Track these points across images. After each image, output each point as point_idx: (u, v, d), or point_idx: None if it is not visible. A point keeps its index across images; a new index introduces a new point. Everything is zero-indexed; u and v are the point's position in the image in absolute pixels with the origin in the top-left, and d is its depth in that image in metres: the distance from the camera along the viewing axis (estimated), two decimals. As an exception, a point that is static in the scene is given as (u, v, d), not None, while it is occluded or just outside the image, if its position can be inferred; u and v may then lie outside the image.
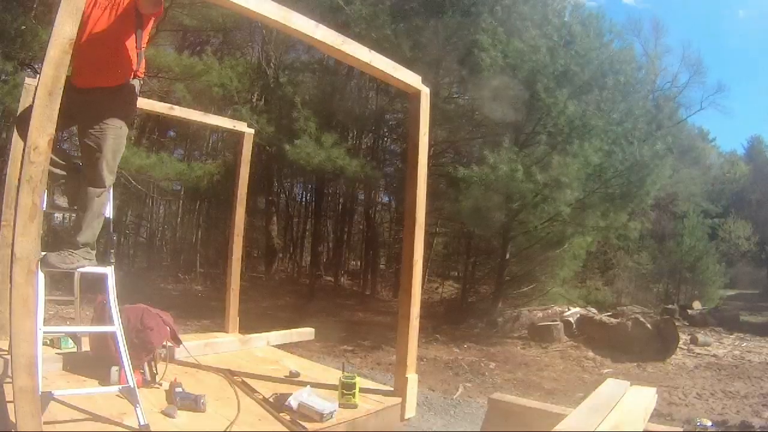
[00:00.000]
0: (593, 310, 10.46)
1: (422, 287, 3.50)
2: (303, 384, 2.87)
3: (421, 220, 3.04)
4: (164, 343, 2.98)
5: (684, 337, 9.02)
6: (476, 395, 5.96)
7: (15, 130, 2.81)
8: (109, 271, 2.32)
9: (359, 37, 4.63)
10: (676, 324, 9.13)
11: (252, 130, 4.33)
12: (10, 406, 1.90)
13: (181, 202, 16.09)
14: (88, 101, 2.29)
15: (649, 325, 8.22)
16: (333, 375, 3.10)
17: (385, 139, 15.83)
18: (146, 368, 2.75)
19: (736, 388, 6.41)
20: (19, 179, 1.70)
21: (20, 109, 2.94)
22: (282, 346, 4.14)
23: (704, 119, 47.16)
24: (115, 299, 2.27)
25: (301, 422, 2.37)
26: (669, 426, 3.94)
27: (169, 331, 3.00)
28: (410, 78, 2.98)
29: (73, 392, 2.37)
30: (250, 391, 2.78)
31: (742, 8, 50.30)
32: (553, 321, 9.13)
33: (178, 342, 3.12)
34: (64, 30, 1.71)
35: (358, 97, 13.55)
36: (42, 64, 1.72)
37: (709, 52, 48.58)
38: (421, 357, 6.74)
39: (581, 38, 9.34)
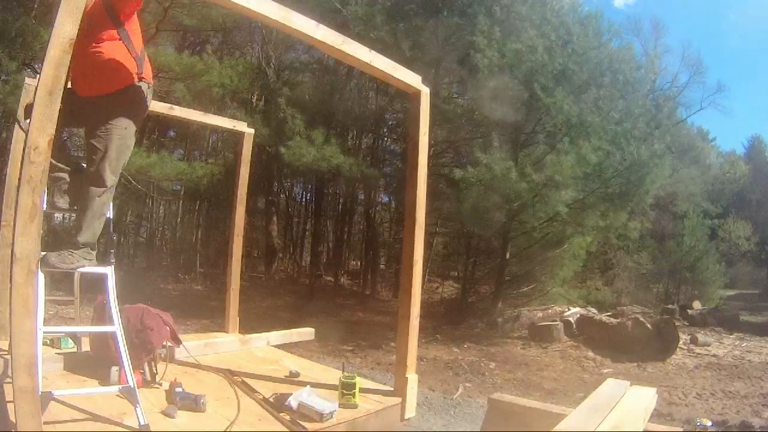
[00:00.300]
0: (593, 310, 10.45)
1: (422, 287, 3.50)
2: (303, 384, 2.87)
3: (421, 220, 3.04)
4: (164, 343, 2.98)
5: (684, 337, 9.02)
6: (476, 395, 5.96)
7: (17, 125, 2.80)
8: (109, 271, 2.32)
9: (358, 38, 4.63)
10: (676, 324, 9.13)
11: (252, 130, 4.33)
12: (10, 406, 1.90)
13: (181, 202, 16.09)
14: (94, 106, 2.32)
15: (649, 325, 8.22)
16: (333, 375, 3.10)
17: (385, 139, 15.84)
18: (146, 368, 2.75)
19: (736, 388, 6.41)
20: (19, 179, 1.70)
21: (20, 109, 2.93)
22: (282, 346, 4.14)
23: (704, 119, 47.30)
24: (115, 299, 2.27)
25: (301, 422, 2.37)
26: (669, 426, 3.94)
27: (169, 331, 3.00)
28: (410, 78, 2.98)
29: (73, 392, 2.37)
30: (250, 391, 2.78)
31: (742, 8, 50.33)
32: (553, 321, 9.12)
33: (178, 342, 3.12)
34: (64, 30, 1.71)
35: (358, 97, 13.55)
36: (42, 63, 1.72)
37: (709, 52, 48.65)
38: (421, 357, 6.74)
39: (579, 37, 9.34)
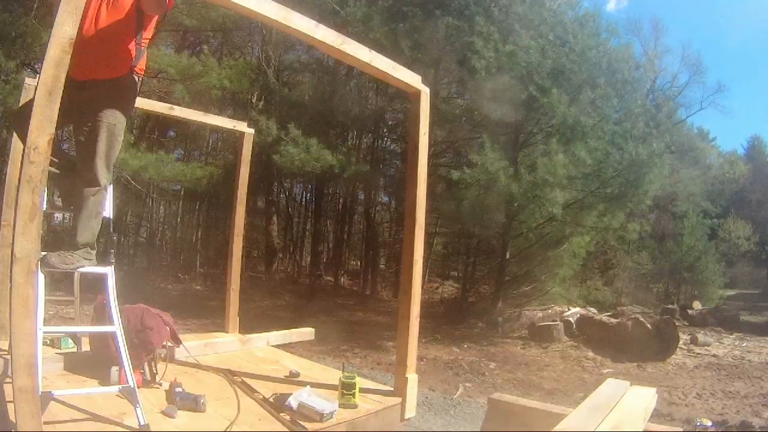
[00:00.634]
0: (593, 310, 10.46)
1: (422, 287, 3.50)
2: (303, 384, 2.87)
3: (421, 220, 3.04)
4: (164, 343, 2.99)
5: (684, 337, 9.03)
6: (476, 395, 5.96)
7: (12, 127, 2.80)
8: (109, 271, 2.32)
9: (357, 39, 4.63)
10: (676, 324, 9.13)
11: (252, 130, 4.34)
12: (10, 406, 1.90)
13: (181, 202, 16.09)
14: (84, 96, 2.25)
15: (649, 325, 8.22)
16: (333, 375, 3.10)
17: (385, 139, 15.83)
18: (146, 368, 2.75)
19: (736, 388, 6.41)
20: (19, 179, 1.70)
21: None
22: (282, 346, 4.14)
23: (704, 119, 47.37)
24: (115, 299, 2.27)
25: (301, 422, 2.37)
26: (669, 426, 3.94)
27: (169, 331, 3.00)
28: (410, 78, 2.99)
29: (73, 392, 2.37)
30: (250, 391, 2.78)
31: (742, 8, 50.36)
32: (553, 321, 9.13)
33: (178, 342, 3.12)
34: (64, 30, 1.71)
35: (358, 98, 13.54)
36: (42, 63, 1.72)
37: (709, 52, 48.65)
38: (421, 357, 6.74)
39: (577, 37, 9.33)
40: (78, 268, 2.28)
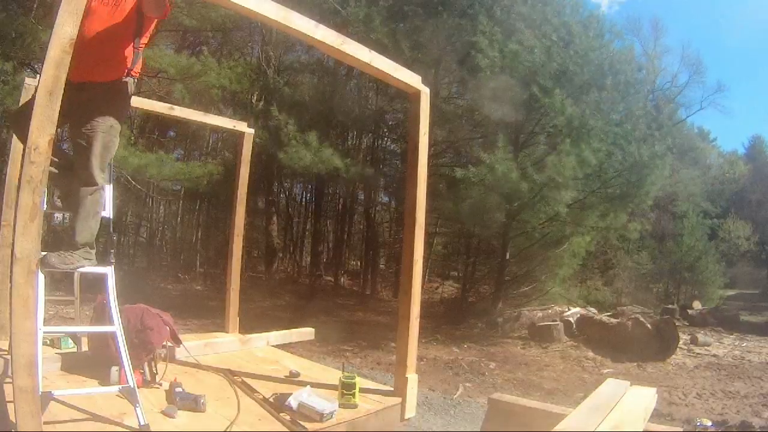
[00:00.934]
0: (593, 310, 10.46)
1: (422, 287, 3.50)
2: (303, 384, 2.87)
3: (421, 220, 3.04)
4: (164, 343, 2.99)
5: (684, 337, 9.02)
6: (476, 395, 5.96)
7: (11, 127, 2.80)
8: (109, 271, 2.32)
9: (358, 39, 4.63)
10: (676, 324, 9.13)
11: (252, 130, 4.34)
12: (10, 406, 1.90)
13: (181, 202, 16.09)
14: (80, 98, 2.24)
15: (649, 325, 8.22)
16: (333, 375, 3.10)
17: (385, 139, 15.83)
18: (146, 368, 2.75)
19: (736, 388, 6.41)
20: (19, 179, 1.70)
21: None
22: (282, 346, 4.14)
23: (704, 119, 47.35)
24: (115, 299, 2.27)
25: (301, 422, 2.37)
26: (669, 426, 3.94)
27: (169, 331, 3.00)
28: (410, 78, 2.99)
29: (73, 392, 2.37)
30: (250, 391, 2.78)
31: (742, 8, 50.35)
32: (553, 321, 9.12)
33: (178, 342, 3.12)
34: (64, 30, 1.71)
35: (358, 98, 13.54)
36: (42, 64, 1.72)
37: (709, 52, 48.64)
38: (421, 357, 6.74)
39: (580, 38, 9.33)
40: (78, 268, 2.28)
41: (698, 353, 8.48)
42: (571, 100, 8.70)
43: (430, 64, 9.67)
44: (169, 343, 3.07)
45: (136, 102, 4.19)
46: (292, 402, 2.49)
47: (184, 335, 3.49)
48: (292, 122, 10.12)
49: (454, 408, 5.47)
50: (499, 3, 9.58)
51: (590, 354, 8.08)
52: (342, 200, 17.74)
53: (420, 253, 3.04)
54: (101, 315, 2.59)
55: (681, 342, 8.51)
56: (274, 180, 15.65)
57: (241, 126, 4.28)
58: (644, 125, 9.92)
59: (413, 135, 3.06)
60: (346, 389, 2.66)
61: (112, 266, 2.35)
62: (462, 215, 10.00)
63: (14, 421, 1.72)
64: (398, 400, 2.90)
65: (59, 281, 4.80)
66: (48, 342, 3.00)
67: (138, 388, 2.19)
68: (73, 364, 2.83)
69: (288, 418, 2.42)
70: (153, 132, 13.35)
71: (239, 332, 4.11)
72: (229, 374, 3.05)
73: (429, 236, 10.96)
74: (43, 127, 1.70)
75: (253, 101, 12.98)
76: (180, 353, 3.20)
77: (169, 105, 4.16)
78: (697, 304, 13.33)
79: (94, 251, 2.35)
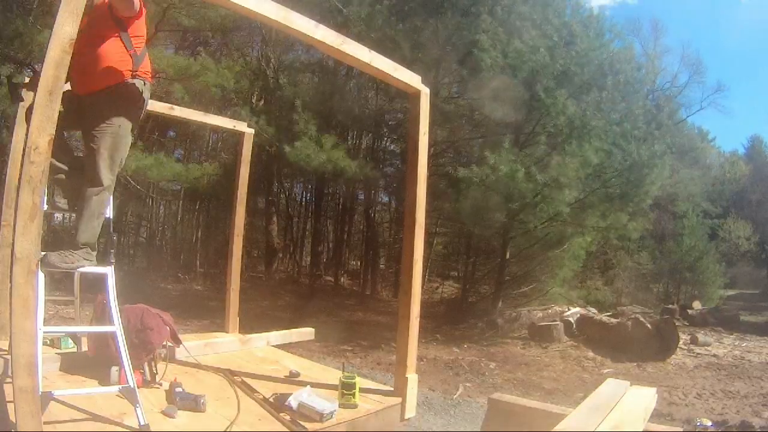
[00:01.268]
0: (593, 310, 10.46)
1: (422, 287, 3.50)
2: (303, 384, 2.87)
3: (421, 220, 3.04)
4: (164, 343, 2.98)
5: (684, 337, 9.02)
6: (476, 395, 5.96)
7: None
8: (109, 271, 2.32)
9: (358, 38, 4.63)
10: (676, 324, 9.12)
11: (252, 130, 4.34)
12: (10, 406, 1.90)
13: (180, 202, 16.09)
14: (88, 105, 2.33)
15: (649, 325, 8.22)
16: (333, 375, 3.10)
17: (385, 139, 15.84)
18: (146, 368, 2.75)
19: (736, 388, 6.41)
20: (19, 179, 1.70)
21: (19, 110, 2.94)
22: (282, 346, 4.14)
23: (704, 119, 47.33)
24: (115, 299, 2.27)
25: (301, 422, 2.37)
26: (669, 426, 3.94)
27: (169, 331, 3.00)
28: (410, 78, 2.99)
29: (73, 392, 2.37)
30: (250, 391, 2.78)
31: (742, 8, 50.34)
32: (553, 321, 9.12)
33: (178, 342, 3.12)
34: (64, 30, 1.71)
35: (358, 98, 13.54)
36: (42, 64, 1.72)
37: (709, 52, 48.62)
38: (421, 357, 6.74)
39: (581, 38, 9.33)
40: (78, 267, 2.28)
41: (698, 353, 8.48)
42: (572, 100, 8.70)
43: (431, 64, 9.67)
44: (169, 343, 3.07)
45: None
46: (292, 402, 2.49)
47: (184, 335, 3.49)
48: (312, 120, 10.11)
49: (454, 408, 5.47)
50: (500, 2, 9.58)
51: (590, 354, 8.08)
52: (342, 200, 17.75)
53: (420, 253, 3.04)
54: (101, 315, 2.59)
55: (681, 342, 8.51)
56: (274, 180, 15.65)
57: (241, 126, 4.28)
58: (644, 125, 9.92)
59: (413, 135, 3.06)
60: (346, 389, 2.66)
61: (112, 266, 2.35)
62: (462, 215, 10.01)
63: (14, 421, 1.72)
64: (398, 400, 2.90)
65: (59, 281, 4.81)
66: (48, 342, 3.00)
67: (138, 388, 2.19)
68: (72, 364, 2.83)
69: (288, 418, 2.41)
70: (153, 132, 13.34)
71: (239, 332, 4.11)
72: (229, 374, 3.05)
73: (429, 236, 10.96)
74: (43, 126, 1.70)
75: (253, 101, 12.98)
76: (180, 353, 3.20)
77: (169, 105, 4.16)
78: (697, 304, 13.33)
79: (95, 252, 2.35)
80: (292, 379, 3.13)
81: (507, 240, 10.34)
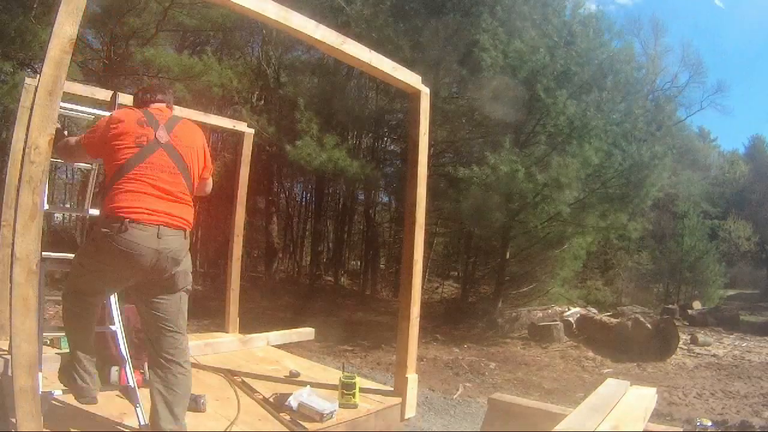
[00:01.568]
0: (593, 310, 10.45)
1: (422, 287, 3.50)
2: (303, 384, 2.87)
3: (421, 220, 3.04)
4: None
5: (684, 337, 9.02)
6: (476, 395, 5.96)
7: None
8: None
9: (359, 38, 4.62)
10: (676, 324, 9.12)
11: (252, 130, 4.34)
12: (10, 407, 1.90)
13: (180, 202, 16.05)
14: None
15: (649, 325, 8.22)
16: (333, 375, 3.10)
17: (385, 139, 15.83)
18: (146, 368, 2.74)
19: (736, 388, 6.41)
20: (19, 179, 1.70)
21: (20, 110, 2.94)
22: (282, 346, 4.14)
23: (704, 119, 47.24)
24: (116, 299, 2.27)
25: (301, 422, 2.37)
26: (669, 426, 3.93)
27: (169, 331, 2.99)
28: (410, 78, 2.99)
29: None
30: (250, 391, 2.78)
31: (742, 8, 50.29)
32: (553, 321, 9.12)
33: (178, 342, 3.11)
34: (64, 30, 1.71)
35: (358, 97, 13.54)
36: (42, 63, 1.72)
37: (709, 52, 48.57)
38: (421, 357, 6.74)
39: (581, 38, 9.33)
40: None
41: (698, 353, 8.48)
42: (572, 101, 8.70)
43: (431, 64, 9.67)
44: (169, 343, 3.06)
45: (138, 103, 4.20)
46: (292, 402, 2.49)
47: (184, 335, 3.48)
48: (314, 119, 10.09)
49: (454, 408, 5.47)
50: (500, 2, 9.58)
51: (590, 354, 8.08)
52: (342, 200, 17.74)
53: (420, 253, 3.04)
54: (101, 315, 2.59)
55: (681, 342, 8.50)
56: (274, 180, 15.64)
57: (241, 126, 4.28)
58: (644, 125, 9.92)
59: (413, 135, 3.06)
60: (346, 389, 2.67)
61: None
62: (462, 215, 10.00)
63: (14, 421, 1.72)
64: (398, 400, 2.90)
65: (59, 281, 4.80)
66: (48, 342, 3.00)
67: (138, 388, 2.19)
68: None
69: (288, 418, 2.42)
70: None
71: (239, 332, 4.12)
72: (229, 374, 3.05)
73: (429, 236, 10.95)
74: (43, 126, 1.69)
75: (253, 100, 12.98)
76: (180, 353, 3.20)
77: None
78: (697, 304, 13.33)
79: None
80: (292, 379, 3.14)
81: (507, 240, 10.34)
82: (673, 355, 7.95)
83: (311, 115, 10.17)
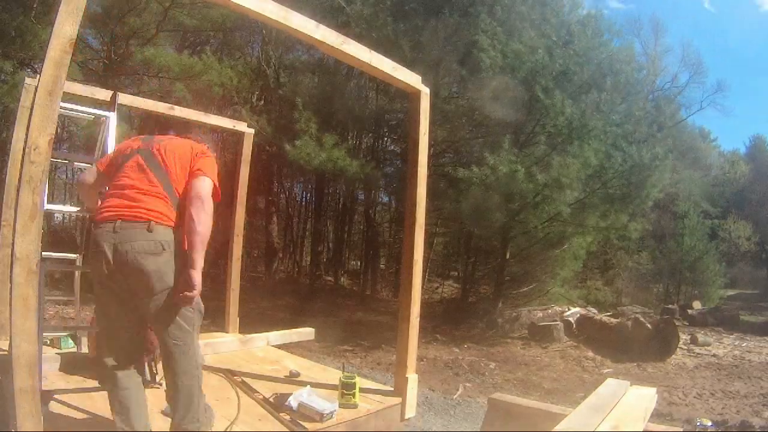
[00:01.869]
0: (593, 310, 10.46)
1: (422, 287, 3.50)
2: (303, 384, 2.87)
3: (421, 220, 3.04)
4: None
5: (684, 337, 9.02)
6: (476, 395, 5.96)
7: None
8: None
9: (359, 38, 4.63)
10: (676, 324, 9.12)
11: (252, 130, 4.35)
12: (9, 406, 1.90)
13: (180, 202, 16.04)
14: None
15: (649, 325, 8.22)
16: (333, 375, 3.10)
17: (385, 139, 15.82)
18: (146, 368, 2.75)
19: (736, 388, 6.41)
20: (19, 179, 1.70)
21: (20, 110, 2.94)
22: (282, 346, 4.14)
23: (704, 119, 47.14)
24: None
25: (301, 422, 2.37)
26: (669, 426, 3.93)
27: (169, 331, 2.99)
28: (410, 78, 2.98)
29: (73, 392, 2.37)
30: (250, 391, 2.78)
31: (742, 8, 50.31)
32: (553, 321, 9.13)
33: (178, 342, 3.11)
34: (64, 30, 1.71)
35: (358, 97, 13.54)
36: (42, 63, 1.72)
37: (709, 52, 48.57)
38: (421, 357, 6.75)
39: (580, 38, 9.32)
40: None
41: (698, 353, 8.48)
42: (571, 101, 8.69)
43: (431, 64, 9.67)
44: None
45: (137, 102, 4.21)
46: (292, 402, 2.49)
47: (184, 335, 3.48)
48: (313, 119, 10.09)
49: (454, 408, 5.47)
50: (499, 2, 9.58)
51: (590, 354, 8.08)
52: (342, 200, 17.73)
53: (420, 253, 3.04)
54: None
55: (681, 342, 8.51)
56: (274, 180, 15.64)
57: (241, 126, 4.29)
58: (645, 126, 9.91)
59: (413, 135, 3.06)
60: (346, 389, 2.66)
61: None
62: (462, 215, 10.00)
63: (14, 421, 1.72)
64: (398, 400, 2.90)
65: (59, 281, 4.81)
66: (48, 342, 3.00)
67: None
68: (72, 365, 2.83)
69: (288, 418, 2.41)
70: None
71: (239, 332, 4.11)
72: (229, 374, 3.05)
73: (429, 236, 10.95)
74: (43, 126, 1.69)
75: (254, 100, 12.99)
76: (180, 353, 3.19)
77: (169, 105, 4.17)
78: (697, 304, 13.34)
79: None
80: (292, 379, 3.13)
81: (507, 240, 10.34)
82: (673, 355, 7.95)
83: (309, 115, 10.17)
